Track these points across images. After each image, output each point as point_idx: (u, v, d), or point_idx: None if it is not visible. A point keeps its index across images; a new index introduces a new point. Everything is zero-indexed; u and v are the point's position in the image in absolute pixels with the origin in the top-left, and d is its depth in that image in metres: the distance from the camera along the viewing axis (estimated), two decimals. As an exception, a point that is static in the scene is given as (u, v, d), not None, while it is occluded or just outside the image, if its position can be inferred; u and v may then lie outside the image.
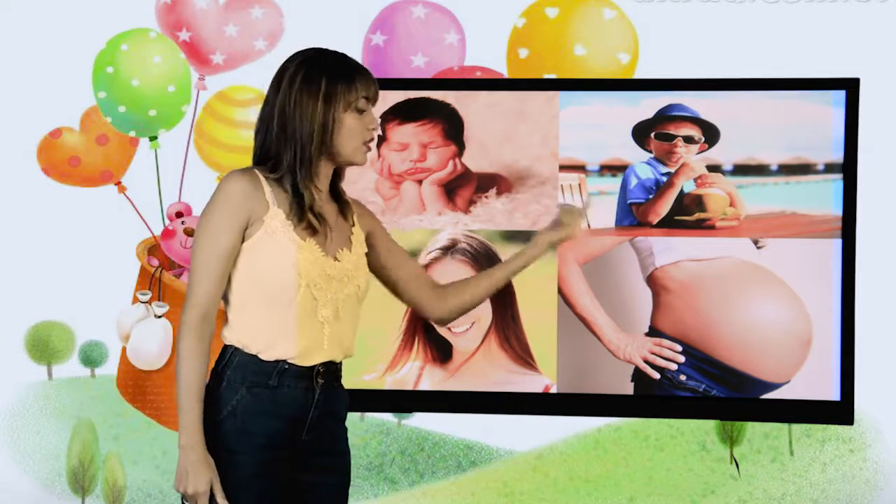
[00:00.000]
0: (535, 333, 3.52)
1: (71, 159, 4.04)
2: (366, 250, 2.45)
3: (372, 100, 2.36)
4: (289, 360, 2.30)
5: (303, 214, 2.30)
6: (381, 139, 3.53)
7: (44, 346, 4.11)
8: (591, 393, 3.51)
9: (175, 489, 2.23)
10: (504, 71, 3.83)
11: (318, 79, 2.31)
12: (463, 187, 3.55)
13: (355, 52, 3.89)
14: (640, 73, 3.74)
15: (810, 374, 3.43)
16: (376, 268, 2.52)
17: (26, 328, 4.06)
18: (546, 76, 3.72)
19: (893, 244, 3.62)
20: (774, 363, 3.45)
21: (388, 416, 3.89)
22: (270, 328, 2.29)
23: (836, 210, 3.43)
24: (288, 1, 3.99)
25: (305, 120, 2.29)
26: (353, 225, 2.44)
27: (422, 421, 3.86)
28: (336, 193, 2.43)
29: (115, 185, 4.11)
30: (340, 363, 2.39)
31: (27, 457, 4.04)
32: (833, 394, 3.43)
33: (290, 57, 2.38)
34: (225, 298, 2.33)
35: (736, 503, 3.79)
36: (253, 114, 4.03)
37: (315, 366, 2.33)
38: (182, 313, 2.26)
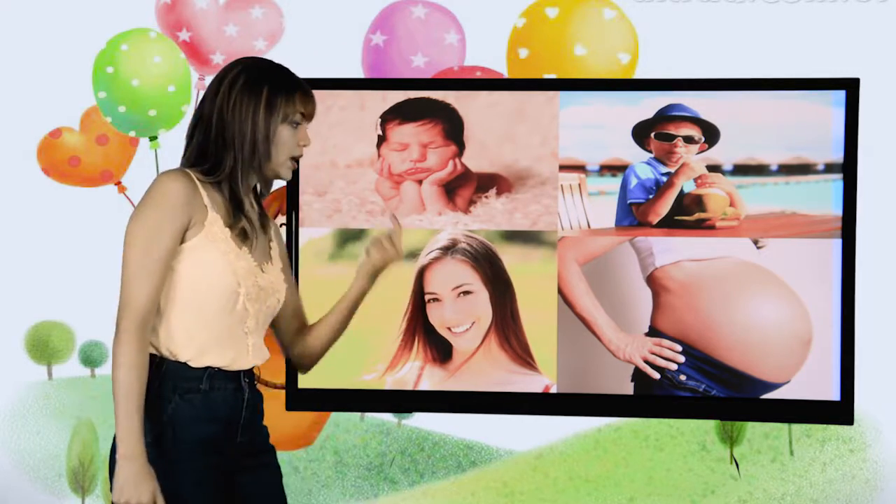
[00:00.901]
0: (535, 333, 3.52)
1: (71, 159, 4.04)
2: (282, 265, 2.43)
3: (308, 117, 2.35)
4: (220, 367, 2.28)
5: (238, 221, 2.28)
6: (381, 139, 3.53)
7: (44, 346, 4.11)
8: (591, 393, 3.51)
9: (116, 500, 2.16)
10: (504, 71, 3.83)
11: (259, 87, 2.29)
12: (463, 187, 3.55)
13: (355, 52, 3.89)
14: (640, 73, 3.74)
15: (810, 374, 3.42)
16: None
17: (26, 328, 4.06)
18: (546, 76, 3.72)
19: (893, 244, 3.62)
20: (774, 363, 3.45)
21: (388, 416, 3.89)
22: (201, 336, 2.26)
23: (836, 210, 3.43)
24: (288, 1, 3.99)
25: (245, 126, 2.27)
26: (272, 240, 2.43)
27: (422, 421, 3.85)
28: (258, 202, 2.41)
29: (115, 185, 4.11)
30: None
31: (27, 457, 4.04)
32: (833, 394, 3.43)
33: (232, 63, 2.36)
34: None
35: (736, 503, 3.79)
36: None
37: (242, 370, 2.32)
38: (118, 320, 2.20)
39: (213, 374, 2.27)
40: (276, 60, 2.39)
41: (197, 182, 2.26)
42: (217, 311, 2.25)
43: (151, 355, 2.26)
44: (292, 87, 2.33)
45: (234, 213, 2.28)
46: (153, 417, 2.23)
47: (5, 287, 4.05)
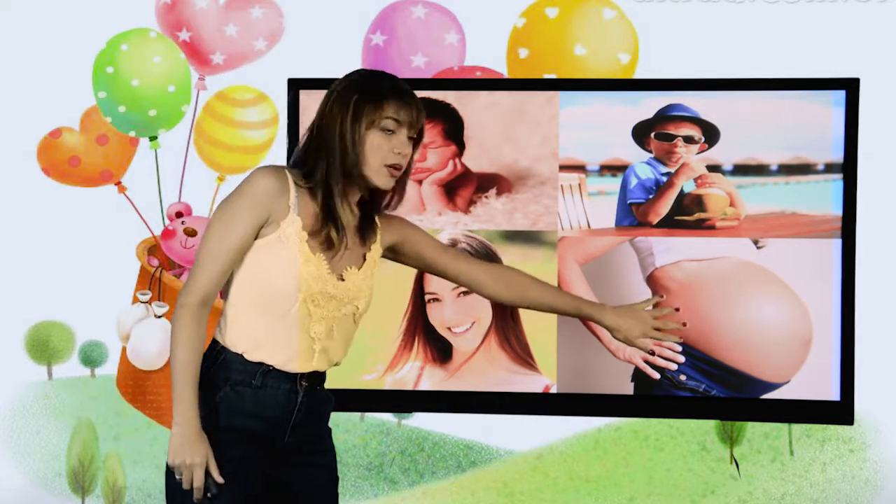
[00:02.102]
0: (535, 333, 3.52)
1: (71, 159, 4.04)
2: (374, 270, 2.42)
3: (404, 123, 2.32)
4: (273, 365, 2.29)
5: (325, 226, 2.29)
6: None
7: (44, 346, 4.11)
8: (591, 393, 3.51)
9: (169, 464, 2.21)
10: (504, 71, 3.83)
11: (350, 95, 2.31)
12: (463, 187, 3.54)
13: (355, 52, 3.89)
14: (640, 73, 3.74)
15: (810, 374, 3.42)
16: (428, 268, 2.55)
17: (26, 328, 4.06)
18: (546, 76, 3.72)
19: (893, 244, 3.62)
20: (774, 363, 3.45)
21: (388, 416, 3.89)
22: (260, 332, 2.28)
23: (836, 210, 3.43)
24: (288, 1, 3.99)
25: (334, 135, 2.29)
26: (370, 248, 2.42)
27: (422, 421, 3.86)
28: (366, 214, 2.41)
29: (115, 185, 4.11)
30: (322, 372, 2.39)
31: (27, 457, 4.04)
32: (833, 394, 3.43)
33: (347, 73, 2.40)
34: (224, 294, 2.32)
35: (736, 503, 3.79)
36: (253, 114, 4.03)
37: (300, 372, 2.32)
38: (180, 296, 2.25)
39: (268, 372, 2.29)
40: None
41: (291, 183, 2.29)
42: (275, 312, 2.27)
43: (214, 342, 2.31)
44: (382, 94, 2.32)
45: (324, 221, 2.29)
46: (204, 402, 2.26)
47: (5, 287, 4.05)
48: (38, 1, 3.98)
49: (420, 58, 3.83)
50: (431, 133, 3.53)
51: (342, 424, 3.85)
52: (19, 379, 3.99)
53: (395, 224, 2.50)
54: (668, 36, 3.68)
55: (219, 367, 2.29)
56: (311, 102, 3.48)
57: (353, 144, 2.29)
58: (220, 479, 2.22)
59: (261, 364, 2.28)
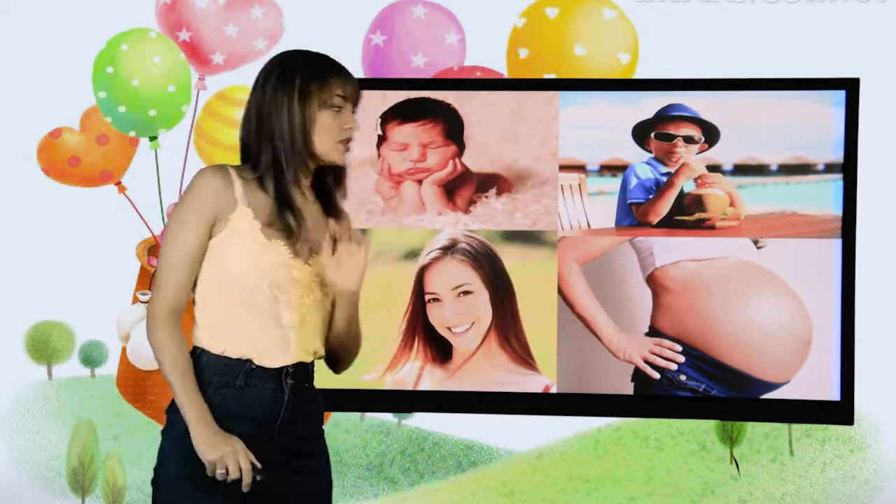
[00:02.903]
0: (535, 333, 3.52)
1: (71, 159, 4.04)
2: None
3: (349, 99, 2.32)
4: (254, 361, 2.26)
5: (281, 214, 2.26)
6: (381, 139, 3.53)
7: (44, 346, 4.11)
8: (591, 393, 3.51)
9: (208, 461, 2.16)
10: (504, 71, 3.83)
11: (292, 77, 2.28)
12: (463, 187, 3.55)
13: (355, 52, 3.89)
14: (640, 73, 3.74)
15: (810, 374, 3.42)
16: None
17: (26, 328, 4.06)
18: (546, 76, 3.72)
19: (893, 244, 3.62)
20: (774, 363, 3.45)
21: (388, 416, 3.89)
22: (234, 328, 2.26)
23: (836, 210, 3.43)
24: (288, 1, 3.99)
25: (282, 119, 2.27)
26: (332, 234, 2.35)
27: (422, 421, 3.86)
28: (325, 197, 2.38)
29: (115, 185, 4.11)
30: (312, 363, 2.35)
31: (27, 457, 4.04)
32: (833, 394, 3.43)
33: (272, 58, 2.36)
34: (193, 298, 2.30)
35: (736, 503, 3.79)
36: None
37: (283, 367, 2.29)
38: (150, 309, 2.25)
39: (251, 372, 2.26)
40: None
41: (235, 178, 2.27)
42: (244, 305, 2.25)
43: (192, 348, 2.28)
44: (326, 72, 2.31)
45: (279, 209, 2.27)
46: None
47: (5, 287, 4.05)
48: (38, 1, 3.97)
49: (420, 58, 3.83)
50: (431, 133, 3.53)
51: (342, 424, 3.85)
52: (19, 379, 3.99)
53: (345, 220, 2.44)
54: (668, 36, 3.68)
55: (202, 370, 2.26)
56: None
57: (303, 126, 2.27)
58: (258, 464, 2.19)
59: (243, 361, 2.26)
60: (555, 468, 3.84)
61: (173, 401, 2.27)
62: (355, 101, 2.34)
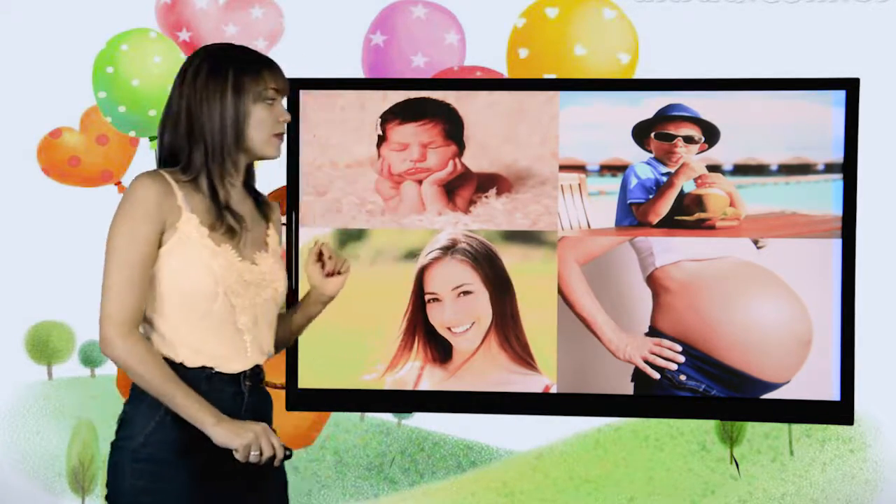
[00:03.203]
0: (535, 333, 3.51)
1: (71, 159, 4.04)
2: (282, 250, 2.39)
3: (281, 91, 2.30)
4: (214, 368, 2.24)
5: (221, 215, 2.23)
6: (381, 139, 3.53)
7: (44, 346, 4.11)
8: (591, 393, 3.51)
9: (239, 446, 2.14)
10: (504, 71, 3.83)
11: (224, 71, 2.24)
12: (463, 187, 3.54)
13: (355, 52, 3.89)
14: (640, 73, 3.74)
15: (810, 374, 3.42)
16: None
17: (26, 328, 4.05)
18: (546, 76, 3.72)
19: (893, 244, 3.62)
20: (774, 363, 3.44)
21: (388, 416, 3.89)
22: (191, 337, 2.22)
23: (836, 210, 3.43)
24: (288, 1, 3.99)
25: (215, 114, 2.22)
26: (269, 227, 2.38)
27: (422, 421, 3.85)
28: (251, 190, 2.37)
29: (115, 185, 4.11)
30: (261, 365, 2.35)
31: (27, 457, 4.03)
32: (833, 394, 3.43)
33: (193, 53, 2.31)
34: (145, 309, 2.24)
35: (736, 503, 3.79)
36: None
37: (242, 371, 2.28)
38: (102, 330, 2.17)
39: (212, 377, 2.24)
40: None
41: (172, 183, 2.22)
42: (201, 312, 2.22)
43: None
44: (258, 65, 2.27)
45: (217, 209, 2.23)
46: (148, 416, 2.20)
47: (5, 287, 4.05)
48: (38, 1, 3.97)
49: (420, 58, 3.83)
50: (431, 133, 3.52)
51: (342, 424, 3.84)
52: (19, 379, 3.98)
53: (276, 210, 2.46)
54: (668, 36, 3.68)
55: None
56: (311, 102, 3.48)
57: (237, 120, 2.23)
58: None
59: (203, 369, 2.23)
60: (555, 468, 3.84)
61: (122, 417, 2.24)
62: (286, 94, 2.32)
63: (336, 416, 3.85)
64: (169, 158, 2.26)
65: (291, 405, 3.53)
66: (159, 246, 2.20)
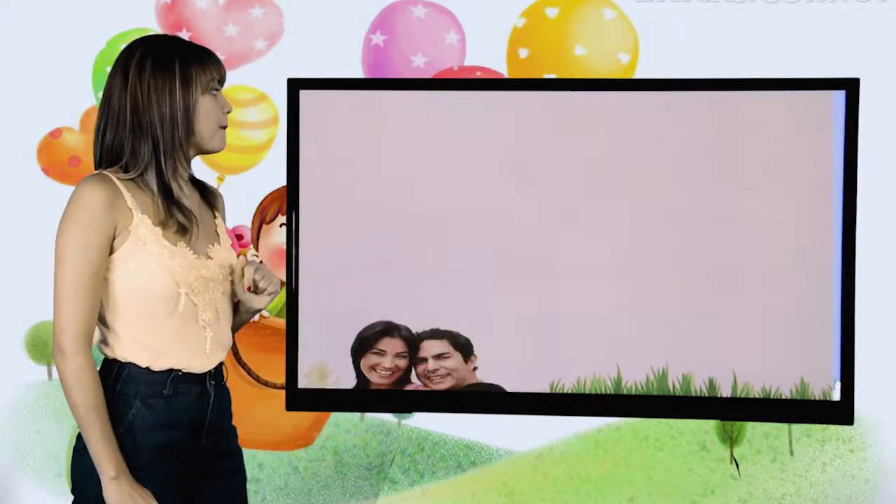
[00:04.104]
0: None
1: (71, 159, 4.04)
2: (230, 241, 2.35)
3: (222, 82, 2.26)
4: (181, 369, 2.21)
5: (170, 212, 2.18)
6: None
7: (44, 346, 4.11)
8: (591, 393, 3.51)
9: None
10: (504, 71, 3.83)
11: (170, 62, 2.18)
12: (463, 187, 3.54)
13: (355, 52, 3.89)
14: (640, 73, 3.74)
15: (810, 374, 3.42)
16: None
17: (26, 328, 4.06)
18: (546, 76, 3.72)
19: (893, 244, 3.62)
20: (774, 363, 3.44)
21: (388, 416, 3.89)
22: (154, 340, 2.18)
23: (837, 210, 3.43)
24: (288, 1, 3.99)
25: (164, 107, 2.16)
26: (216, 217, 2.35)
27: (422, 421, 3.86)
28: (195, 182, 2.33)
29: (115, 185, 4.11)
30: (224, 362, 2.33)
31: (27, 457, 4.04)
32: (833, 394, 3.43)
33: (130, 46, 2.23)
34: (101, 315, 2.20)
35: (736, 503, 3.79)
36: (253, 113, 4.03)
37: (207, 371, 2.25)
38: (58, 342, 2.11)
39: (177, 379, 2.21)
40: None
41: (119, 185, 2.16)
42: (162, 315, 2.18)
43: (110, 361, 2.20)
44: (201, 56, 2.22)
45: (167, 206, 2.18)
46: (114, 423, 2.16)
47: (5, 287, 4.06)
48: (38, 1, 3.98)
49: (420, 58, 3.83)
50: (431, 133, 3.52)
51: (342, 424, 3.84)
52: (19, 379, 3.99)
53: (220, 197, 2.42)
54: (668, 36, 3.69)
55: (124, 382, 2.19)
56: (311, 102, 3.48)
57: (186, 112, 2.17)
58: None
59: (169, 371, 2.20)
60: (555, 468, 3.84)
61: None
62: (224, 84, 2.27)
63: (336, 416, 3.85)
64: (108, 157, 2.20)
65: (291, 405, 3.53)
66: (111, 251, 2.15)
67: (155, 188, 2.19)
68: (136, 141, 2.18)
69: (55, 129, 4.05)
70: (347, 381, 3.50)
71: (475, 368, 3.45)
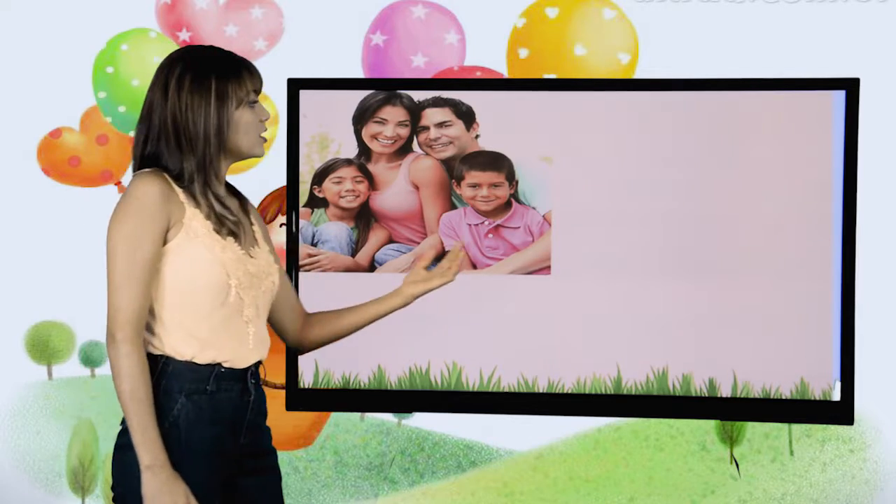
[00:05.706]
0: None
1: (71, 159, 4.04)
2: (269, 248, 2.40)
3: (259, 91, 2.30)
4: (223, 364, 2.25)
5: (219, 220, 2.24)
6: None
7: (44, 346, 4.11)
8: (591, 393, 3.51)
9: None
10: (504, 71, 3.83)
11: (206, 79, 2.23)
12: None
13: (355, 52, 3.89)
14: (640, 73, 3.74)
15: (810, 375, 3.42)
16: None
17: (26, 328, 4.06)
18: (546, 76, 3.72)
19: (893, 244, 3.62)
20: (774, 363, 3.44)
21: (388, 416, 3.89)
22: (202, 331, 2.22)
23: (837, 210, 3.43)
24: (288, 1, 3.99)
25: (199, 123, 2.21)
26: (253, 223, 2.39)
27: (422, 421, 3.86)
28: (231, 189, 2.38)
29: (115, 185, 4.11)
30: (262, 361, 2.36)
31: (27, 457, 4.04)
32: (833, 394, 3.43)
33: (170, 59, 2.29)
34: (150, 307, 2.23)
35: (736, 503, 3.79)
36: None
37: (248, 367, 2.29)
38: (111, 331, 2.15)
39: (220, 375, 2.24)
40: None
41: (171, 181, 2.22)
42: (211, 306, 2.22)
43: (156, 356, 2.23)
44: (238, 70, 2.26)
45: (215, 214, 2.24)
46: (159, 417, 2.18)
47: (5, 287, 4.05)
48: (38, 1, 3.98)
49: (420, 58, 3.83)
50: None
51: (342, 424, 3.85)
52: (19, 379, 3.99)
53: (253, 206, 2.47)
54: (668, 36, 3.69)
55: (169, 378, 2.22)
56: (311, 102, 3.48)
57: (219, 129, 2.22)
58: None
59: (213, 366, 2.23)
60: (555, 468, 3.84)
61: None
62: (260, 93, 2.31)
63: (336, 416, 3.85)
64: (149, 164, 2.25)
65: (291, 405, 3.54)
66: (164, 243, 2.20)
67: (203, 200, 2.25)
68: (181, 156, 2.23)
69: (55, 129, 4.05)
70: (349, 150, 3.47)
71: (477, 136, 3.43)
